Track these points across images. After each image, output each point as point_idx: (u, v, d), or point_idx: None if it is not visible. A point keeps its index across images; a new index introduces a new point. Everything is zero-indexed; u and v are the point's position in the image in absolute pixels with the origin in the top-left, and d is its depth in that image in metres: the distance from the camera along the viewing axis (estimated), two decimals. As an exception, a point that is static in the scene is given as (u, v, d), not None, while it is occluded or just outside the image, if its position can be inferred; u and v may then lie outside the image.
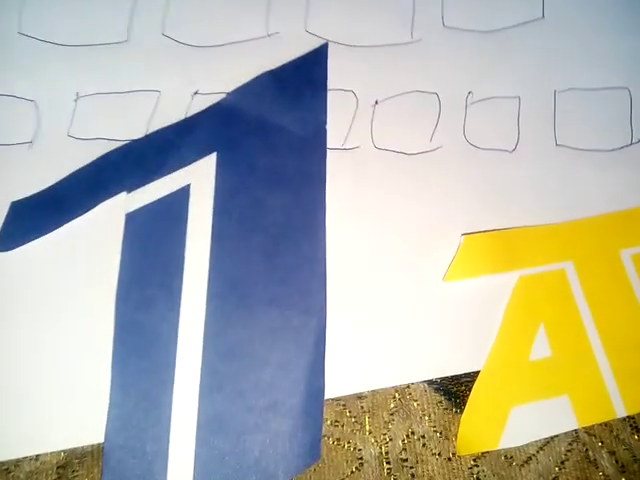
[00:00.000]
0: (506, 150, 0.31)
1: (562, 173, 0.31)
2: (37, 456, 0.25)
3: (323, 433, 0.26)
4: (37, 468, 0.25)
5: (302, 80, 0.31)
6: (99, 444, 0.26)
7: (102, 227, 0.28)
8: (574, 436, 0.27)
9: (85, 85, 0.30)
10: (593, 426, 0.27)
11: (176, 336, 0.27)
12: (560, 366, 0.28)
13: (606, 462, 0.26)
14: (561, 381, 0.28)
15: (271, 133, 0.30)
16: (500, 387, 0.28)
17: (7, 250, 0.27)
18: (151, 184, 0.28)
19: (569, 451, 0.27)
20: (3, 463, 0.25)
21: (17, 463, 0.25)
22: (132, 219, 0.28)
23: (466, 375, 0.28)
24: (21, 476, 0.25)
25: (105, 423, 0.25)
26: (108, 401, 0.26)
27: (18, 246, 0.27)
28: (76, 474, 0.25)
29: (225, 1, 0.32)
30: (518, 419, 0.27)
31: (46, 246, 0.28)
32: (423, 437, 0.27)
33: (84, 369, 0.26)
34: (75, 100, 0.30)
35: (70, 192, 0.28)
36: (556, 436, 0.27)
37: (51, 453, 0.25)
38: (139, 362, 0.26)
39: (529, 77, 0.33)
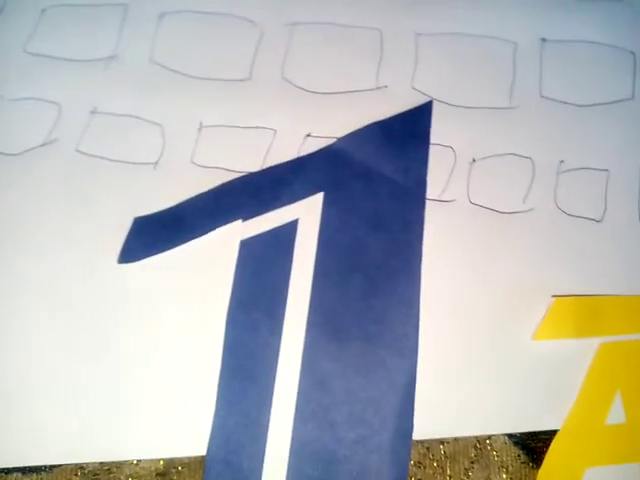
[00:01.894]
0: (593, 219, 0.33)
1: (645, 247, 0.33)
2: (138, 461, 0.27)
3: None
4: (137, 473, 0.27)
5: (407, 133, 0.33)
6: (196, 457, 0.27)
7: (217, 251, 0.30)
8: (645, 505, 0.28)
9: (209, 116, 0.32)
10: (664, 497, 0.28)
11: (276, 361, 0.28)
12: (634, 433, 0.29)
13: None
14: (634, 448, 0.29)
15: (375, 179, 0.32)
16: (576, 447, 0.29)
17: (128, 262, 0.29)
18: (264, 215, 0.30)
19: (639, 519, 0.27)
20: (105, 463, 0.27)
21: (118, 465, 0.27)
22: (246, 246, 0.30)
23: (545, 432, 0.29)
24: (121, 478, 0.26)
25: (208, 436, 0.27)
26: (212, 415, 0.27)
27: (138, 260, 0.29)
28: (173, 483, 0.26)
29: (340, 53, 0.35)
30: (592, 480, 0.28)
31: (164, 263, 0.29)
32: (500, 487, 0.28)
33: (191, 383, 0.28)
34: (199, 129, 0.32)
35: (190, 214, 0.30)
36: (627, 502, 0.28)
37: (151, 460, 0.27)
38: (243, 382, 0.28)
39: (617, 152, 0.35)
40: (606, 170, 0.34)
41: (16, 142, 0.32)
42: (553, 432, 0.29)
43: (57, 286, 0.29)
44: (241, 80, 0.33)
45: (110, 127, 0.32)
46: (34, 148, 0.31)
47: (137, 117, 0.32)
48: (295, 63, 0.34)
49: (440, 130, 0.34)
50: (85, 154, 0.31)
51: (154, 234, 0.30)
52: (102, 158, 0.31)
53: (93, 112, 0.32)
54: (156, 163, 0.31)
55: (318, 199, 0.31)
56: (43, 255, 0.29)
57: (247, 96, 0.33)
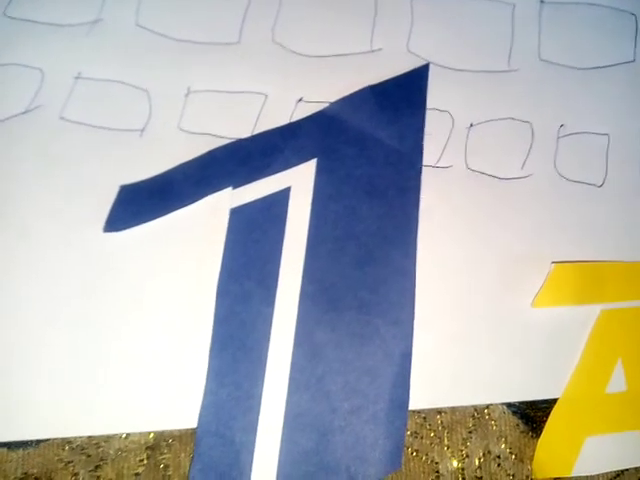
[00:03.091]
0: (594, 185, 0.32)
1: (647, 213, 0.32)
2: (127, 435, 0.26)
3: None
4: (126, 447, 0.26)
5: (402, 97, 0.32)
6: (187, 430, 0.26)
7: (207, 219, 0.29)
8: (645, 472, 0.27)
9: (196, 81, 0.31)
10: (665, 465, 0.27)
11: (269, 332, 0.28)
12: (634, 402, 0.29)
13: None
14: (634, 417, 0.28)
15: (369, 145, 0.31)
16: (576, 416, 0.28)
17: (115, 231, 0.28)
18: (255, 183, 0.29)
19: (640, 486, 0.27)
20: (93, 437, 0.26)
21: (107, 439, 0.26)
22: (236, 214, 0.29)
23: (544, 401, 0.28)
24: (110, 452, 0.26)
25: (198, 409, 0.26)
26: (203, 388, 0.26)
27: (125, 229, 0.28)
28: (163, 457, 0.26)
29: (333, 14, 0.33)
30: (592, 449, 0.28)
31: (153, 232, 0.28)
32: (499, 457, 0.27)
33: (181, 354, 0.27)
34: (186, 95, 0.31)
35: (178, 182, 0.29)
36: (627, 470, 0.27)
37: (141, 433, 0.26)
38: (235, 353, 0.27)
39: (618, 116, 0.34)
40: (606, 134, 0.33)
41: (-3, 110, 0.30)
42: (553, 401, 0.28)
43: (42, 258, 0.28)
44: (230, 43, 0.32)
45: (95, 93, 0.31)
46: (16, 115, 0.30)
47: (123, 82, 0.31)
48: (286, 25, 0.33)
49: (436, 94, 0.33)
50: (69, 121, 0.30)
51: (141, 202, 0.29)
52: (87, 125, 0.30)
53: (77, 78, 0.31)
54: (142, 130, 0.30)
55: (311, 166, 0.30)
56: (27, 226, 0.28)
57: (236, 60, 0.32)
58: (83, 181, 0.29)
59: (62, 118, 0.30)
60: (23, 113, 0.30)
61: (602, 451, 0.28)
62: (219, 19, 0.33)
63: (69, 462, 0.26)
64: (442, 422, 0.28)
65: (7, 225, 0.28)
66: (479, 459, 0.27)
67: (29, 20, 0.32)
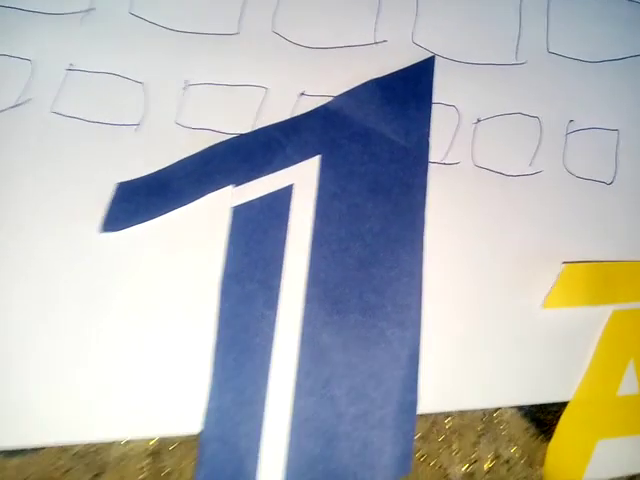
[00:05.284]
0: (604, 182, 0.31)
1: (657, 210, 0.31)
2: (128, 441, 0.25)
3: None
4: (127, 453, 0.25)
5: (408, 91, 0.31)
6: (189, 435, 0.25)
7: (208, 218, 0.28)
8: (657, 476, 0.27)
9: (194, 73, 0.30)
10: (678, 468, 0.27)
11: (273, 335, 0.27)
12: (646, 404, 0.28)
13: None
14: (646, 419, 0.28)
15: (374, 141, 0.30)
16: (587, 419, 0.27)
17: (111, 231, 0.27)
18: (257, 180, 0.28)
19: (652, 491, 0.27)
20: (93, 444, 0.25)
21: (107, 446, 0.25)
22: (238, 213, 0.28)
23: (555, 404, 0.27)
24: (111, 459, 0.25)
25: (202, 414, 0.25)
26: (207, 393, 0.25)
27: (123, 228, 0.27)
28: (166, 463, 0.25)
29: (335, 4, 0.32)
30: (603, 453, 0.27)
31: (151, 231, 0.27)
32: (508, 462, 0.27)
33: (184, 358, 0.26)
34: (184, 88, 0.30)
35: (177, 180, 0.28)
36: (639, 474, 0.27)
37: (142, 439, 0.25)
38: (238, 357, 0.26)
39: (629, 112, 0.33)
40: (616, 130, 0.32)
41: (-15, 103, 0.29)
42: (563, 404, 0.28)
43: (35, 260, 0.27)
44: (229, 34, 0.31)
45: (88, 86, 0.30)
46: (5, 109, 0.29)
47: (117, 75, 0.30)
48: (287, 15, 0.32)
49: (442, 88, 0.32)
50: (61, 115, 0.29)
51: (138, 201, 0.28)
52: (80, 119, 0.29)
53: (69, 69, 0.30)
54: (138, 124, 0.29)
55: (314, 163, 0.29)
56: (17, 227, 0.27)
57: (236, 51, 0.31)
58: (77, 177, 0.28)
59: (54, 112, 0.29)
60: (12, 107, 0.29)
61: (614, 455, 0.27)
62: (217, 9, 0.31)
63: (68, 470, 0.25)
64: (451, 426, 0.27)
65: (-1, 222, 0.27)
66: (488, 464, 0.27)
67: (17, 8, 0.31)
